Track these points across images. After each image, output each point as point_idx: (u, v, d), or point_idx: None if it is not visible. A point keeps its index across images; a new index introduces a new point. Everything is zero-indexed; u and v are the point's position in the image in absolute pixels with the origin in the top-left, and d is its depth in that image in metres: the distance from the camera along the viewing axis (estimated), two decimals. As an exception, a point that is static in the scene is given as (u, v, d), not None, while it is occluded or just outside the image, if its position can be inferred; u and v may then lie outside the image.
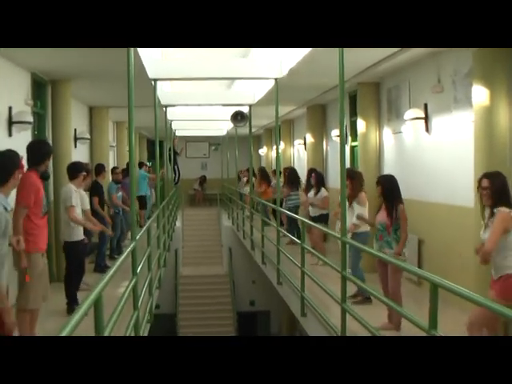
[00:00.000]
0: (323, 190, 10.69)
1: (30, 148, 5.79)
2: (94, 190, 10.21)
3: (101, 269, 9.95)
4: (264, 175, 15.66)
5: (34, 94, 9.10)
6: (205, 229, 21.69)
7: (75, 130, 11.62)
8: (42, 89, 9.55)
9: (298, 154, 17.79)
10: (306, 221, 8.31)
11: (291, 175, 12.81)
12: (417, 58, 8.47)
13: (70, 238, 7.74)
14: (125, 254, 5.21)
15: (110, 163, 15.41)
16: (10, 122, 7.80)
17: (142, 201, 15.82)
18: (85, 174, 7.97)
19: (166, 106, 13.18)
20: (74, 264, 7.69)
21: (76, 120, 11.13)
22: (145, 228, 7.29)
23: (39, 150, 5.75)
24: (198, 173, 28.08)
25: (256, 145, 25.77)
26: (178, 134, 21.34)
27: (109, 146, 14.26)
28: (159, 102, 12.23)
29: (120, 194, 11.64)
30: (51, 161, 6.81)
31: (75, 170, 7.86)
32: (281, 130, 19.38)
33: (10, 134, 7.81)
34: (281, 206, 13.36)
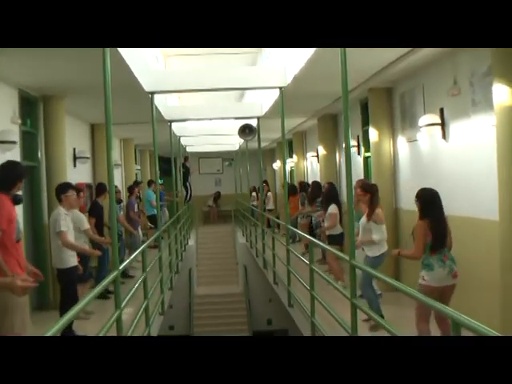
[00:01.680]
0: (332, 206, 9.97)
1: (1, 170, 5.22)
2: (92, 211, 9.79)
3: (102, 295, 9.30)
4: (292, 189, 14.95)
5: (23, 111, 8.54)
6: (219, 246, 21.10)
7: (74, 149, 11.16)
8: (32, 106, 9.00)
9: (312, 166, 17.17)
10: (308, 237, 7.61)
11: (315, 189, 12.14)
12: (430, 59, 7.77)
13: (62, 264, 7.35)
14: (102, 283, 4.78)
15: (116, 182, 14.97)
16: (-7, 142, 7.23)
17: (152, 221, 15.22)
18: (70, 194, 7.45)
19: (170, 122, 12.63)
20: (67, 292, 7.22)
21: (75, 138, 10.69)
22: (136, 253, 6.89)
23: (10, 173, 5.18)
24: (212, 189, 27.62)
25: (270, 159, 25.14)
26: (189, 150, 20.92)
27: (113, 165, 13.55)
28: (161, 116, 11.74)
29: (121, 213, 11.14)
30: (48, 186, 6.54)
31: (59, 191, 7.43)
32: (293, 143, 19.03)
33: (-9, 155, 7.22)
34: (296, 221, 13.03)
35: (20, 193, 5.44)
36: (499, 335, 2.71)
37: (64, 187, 7.50)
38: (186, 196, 18.21)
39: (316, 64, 7.72)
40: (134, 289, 6.06)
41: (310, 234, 12.30)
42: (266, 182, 20.17)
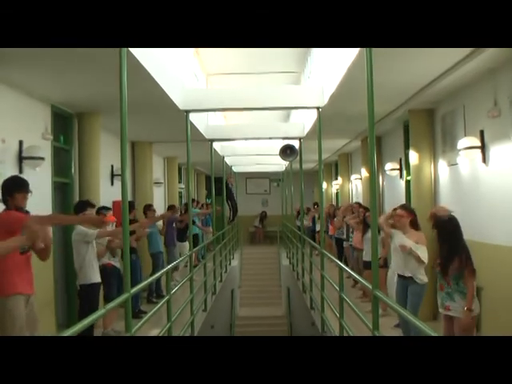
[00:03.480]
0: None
1: (2, 184, 5.15)
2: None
3: (134, 314, 9.21)
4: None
5: (56, 127, 8.53)
6: (264, 267, 21.00)
7: (112, 166, 11.14)
8: (66, 122, 9.00)
9: (356, 189, 16.84)
10: (341, 264, 7.22)
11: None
12: (470, 78, 7.39)
13: (85, 280, 7.29)
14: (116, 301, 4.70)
15: (158, 201, 14.96)
16: (20, 158, 7.16)
17: (194, 240, 15.05)
18: (89, 212, 7.35)
19: (211, 141, 12.53)
20: (84, 310, 7.07)
21: (113, 156, 10.54)
22: (155, 276, 6.84)
23: (7, 185, 5.11)
24: (259, 209, 27.51)
25: (316, 180, 24.75)
26: (236, 170, 20.85)
27: (152, 183, 13.68)
28: (201, 135, 11.68)
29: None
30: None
31: (77, 209, 7.46)
32: (338, 164, 18.80)
33: (20, 171, 7.15)
34: (341, 242, 12.93)
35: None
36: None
37: (82, 205, 7.45)
38: (230, 215, 18.06)
39: (351, 82, 7.43)
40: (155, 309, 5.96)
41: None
42: (317, 204, 19.83)
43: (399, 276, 6.89)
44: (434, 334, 3.25)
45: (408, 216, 6.94)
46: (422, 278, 6.69)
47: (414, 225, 6.92)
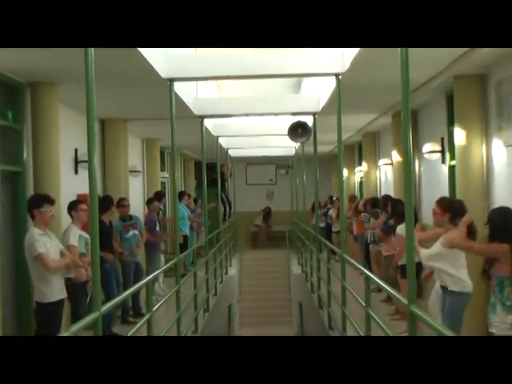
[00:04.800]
0: (401, 226, 9.38)
1: None
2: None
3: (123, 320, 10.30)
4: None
5: (0, 101, 8.52)
6: (269, 277, 20.91)
7: (76, 150, 11.11)
8: (14, 94, 8.93)
9: (386, 177, 16.75)
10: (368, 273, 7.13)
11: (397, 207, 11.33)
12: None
13: (43, 298, 7.32)
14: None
15: (136, 194, 14.97)
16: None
17: (183, 242, 14.98)
18: (45, 209, 7.37)
19: (202, 117, 12.43)
20: (43, 333, 7.15)
21: (77, 137, 10.39)
22: (135, 287, 6.81)
23: None
24: (262, 204, 27.35)
25: (335, 167, 24.47)
26: (232, 153, 20.68)
27: (128, 172, 13.58)
28: (188, 110, 11.61)
29: (133, 233, 11.10)
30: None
31: (30, 205, 7.49)
32: (363, 146, 18.70)
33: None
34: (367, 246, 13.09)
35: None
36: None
37: (38, 200, 7.44)
38: (224, 214, 18.02)
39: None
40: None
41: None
42: (332, 198, 19.79)
43: (441, 287, 7.03)
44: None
45: (443, 213, 7.06)
46: (461, 283, 6.80)
47: (453, 221, 6.99)
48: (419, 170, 13.39)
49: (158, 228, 12.80)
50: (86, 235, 8.14)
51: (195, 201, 19.42)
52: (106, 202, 10.11)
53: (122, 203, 11.15)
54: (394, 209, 10.35)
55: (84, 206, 8.22)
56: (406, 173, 4.97)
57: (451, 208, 7.09)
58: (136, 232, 11.15)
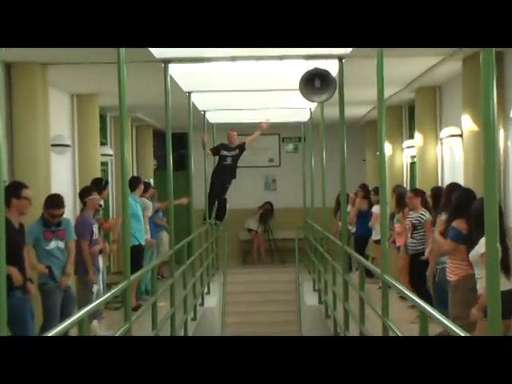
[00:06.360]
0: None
1: None
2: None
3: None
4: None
5: None
6: (268, 311, 16.61)
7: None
8: None
9: (452, 156, 13.11)
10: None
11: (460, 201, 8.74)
12: None
13: None
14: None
15: (63, 180, 12.33)
16: None
17: (135, 255, 10.63)
18: None
19: (165, 62, 9.41)
20: None
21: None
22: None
23: None
24: (258, 198, 21.02)
25: (371, 140, 19.06)
26: (211, 119, 16.57)
27: (49, 146, 10.84)
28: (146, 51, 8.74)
29: (56, 245, 8.70)
30: None
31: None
32: (416, 108, 14.69)
33: None
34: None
35: None
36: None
37: None
38: (211, 210, 14.78)
39: None
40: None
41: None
42: (364, 187, 15.16)
43: None
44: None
45: None
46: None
47: None
48: (505, 143, 10.56)
49: (96, 235, 9.86)
50: None
51: (145, 188, 13.75)
52: (11, 191, 7.96)
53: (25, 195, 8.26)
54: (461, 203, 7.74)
55: None
56: (488, 149, 4.02)
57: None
58: (61, 244, 8.62)
